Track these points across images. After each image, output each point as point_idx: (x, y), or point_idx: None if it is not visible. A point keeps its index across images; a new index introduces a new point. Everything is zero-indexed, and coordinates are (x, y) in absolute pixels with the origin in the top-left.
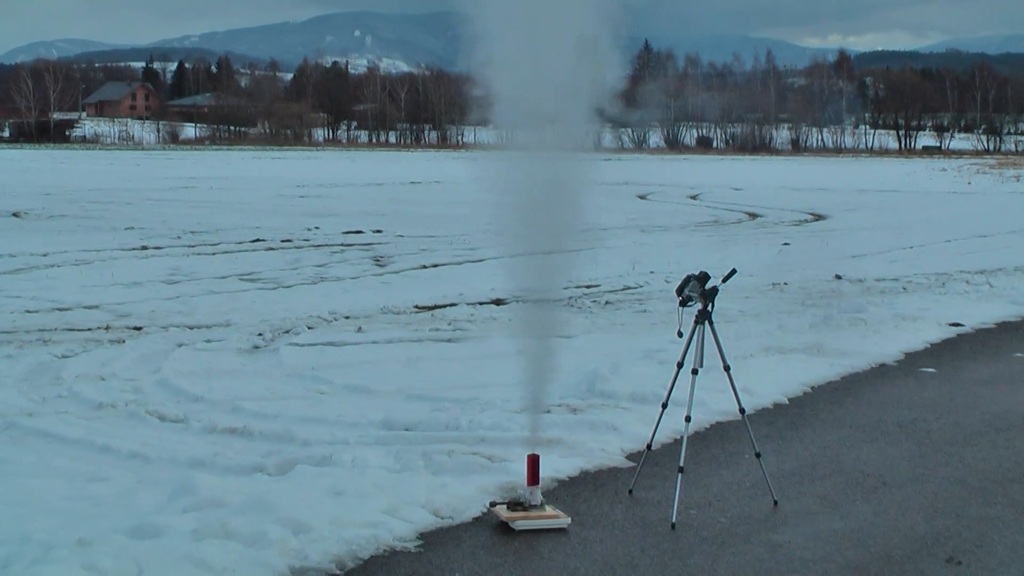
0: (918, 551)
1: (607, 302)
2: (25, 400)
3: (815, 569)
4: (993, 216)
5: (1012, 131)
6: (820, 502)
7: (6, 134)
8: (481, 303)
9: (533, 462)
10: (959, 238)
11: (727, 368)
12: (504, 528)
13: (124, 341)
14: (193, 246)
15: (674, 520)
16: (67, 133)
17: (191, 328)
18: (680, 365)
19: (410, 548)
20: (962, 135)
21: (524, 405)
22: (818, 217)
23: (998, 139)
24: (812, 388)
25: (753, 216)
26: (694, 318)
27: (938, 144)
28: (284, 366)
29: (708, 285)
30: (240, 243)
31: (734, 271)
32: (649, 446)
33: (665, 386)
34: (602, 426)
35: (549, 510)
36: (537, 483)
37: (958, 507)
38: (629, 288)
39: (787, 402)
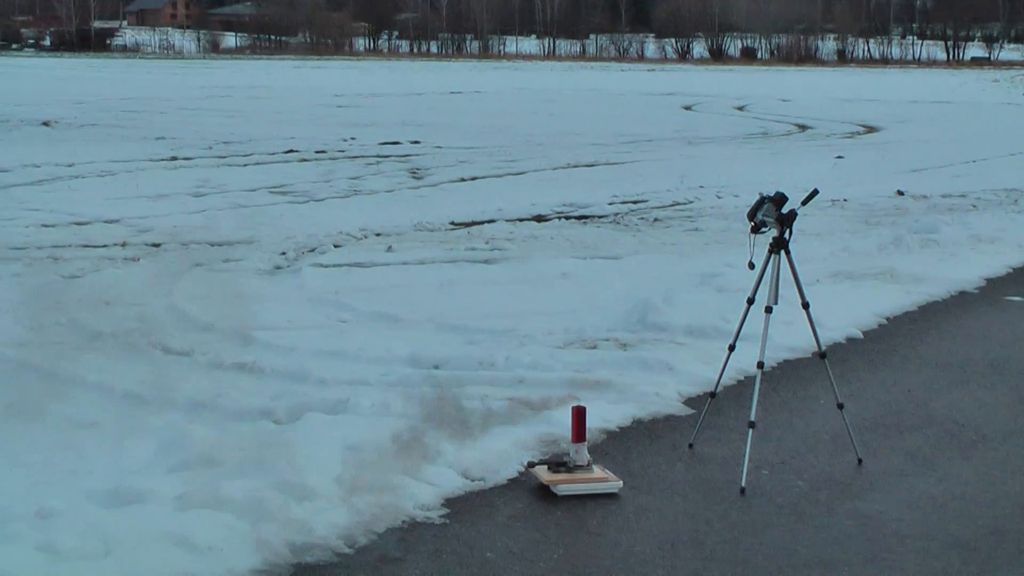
0: None
1: (655, 219)
2: (20, 328)
3: (914, 547)
4: None
5: None
6: (911, 460)
7: (47, 43)
8: (521, 219)
9: (579, 415)
10: (1023, 151)
11: (806, 306)
12: (545, 493)
13: (139, 260)
14: (224, 157)
15: (743, 484)
16: (107, 42)
17: (213, 245)
18: (751, 301)
19: (434, 519)
20: (1012, 46)
21: (568, 339)
22: (870, 129)
23: None
24: (888, 319)
25: (803, 128)
26: (768, 247)
27: (987, 55)
28: (306, 289)
29: (785, 208)
30: (273, 154)
31: (816, 192)
32: (713, 393)
33: (725, 317)
34: (656, 365)
35: (597, 471)
36: (583, 440)
37: None
38: (678, 204)
39: (861, 336)
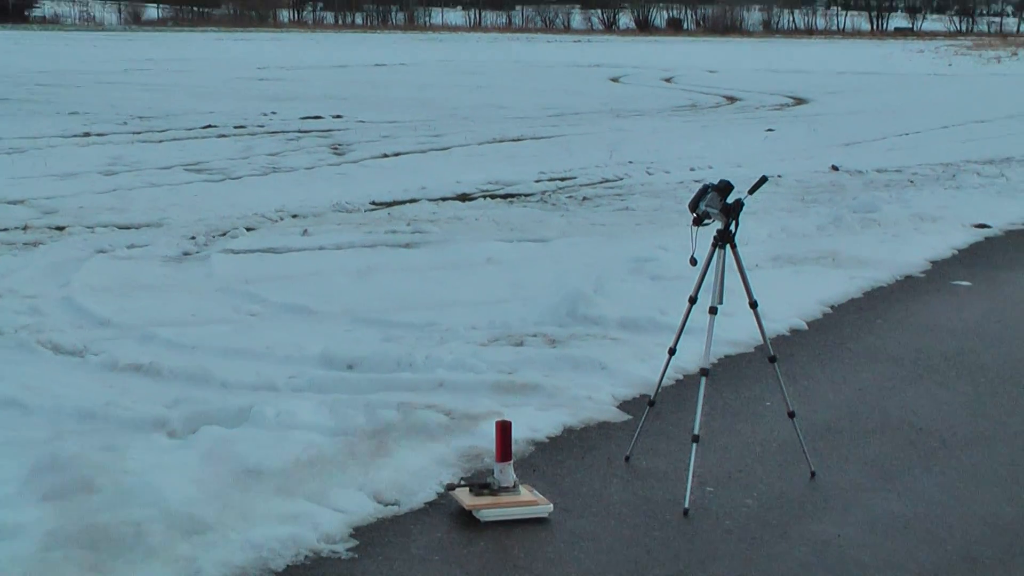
0: (1008, 548)
1: (584, 198)
2: None
3: None
4: (983, 99)
5: (985, 12)
6: (868, 472)
7: None
8: (445, 199)
9: (503, 432)
10: (955, 124)
11: (754, 305)
12: (466, 518)
13: (38, 244)
14: (139, 133)
15: (687, 504)
16: (26, 14)
17: (120, 228)
18: (693, 300)
19: (340, 553)
20: (934, 16)
21: (493, 335)
22: (799, 101)
23: (971, 20)
24: (833, 308)
25: (731, 100)
26: (712, 240)
27: (911, 25)
28: (214, 279)
29: (731, 198)
30: (190, 129)
31: (764, 179)
32: (652, 402)
33: (661, 309)
34: (588, 364)
35: (524, 493)
36: (509, 459)
37: None
38: (608, 181)
39: (806, 327)
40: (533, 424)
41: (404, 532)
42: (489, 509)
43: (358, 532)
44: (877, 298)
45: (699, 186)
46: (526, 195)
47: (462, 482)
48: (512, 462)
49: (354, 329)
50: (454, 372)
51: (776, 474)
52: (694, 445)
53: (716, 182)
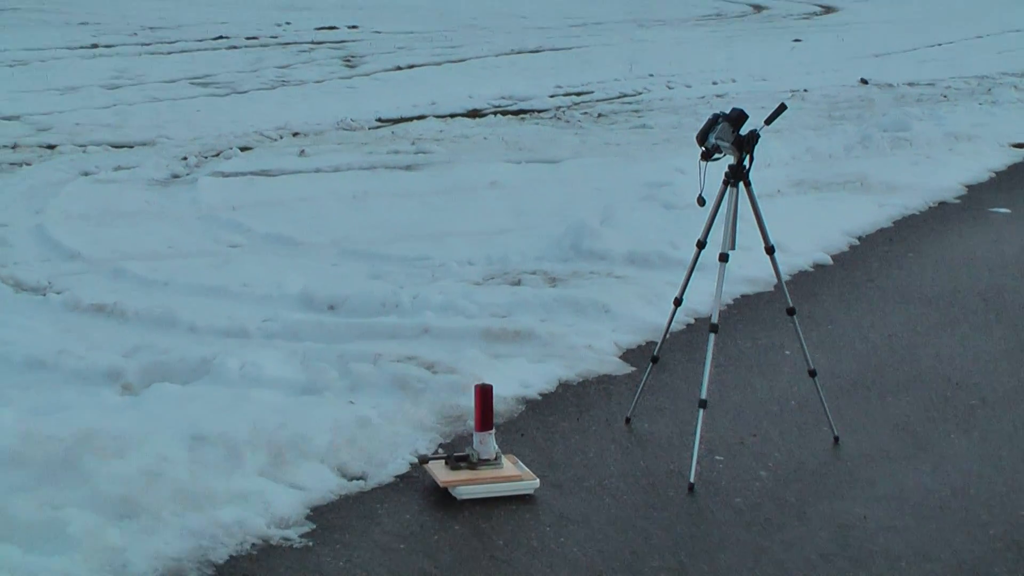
0: None
1: (600, 114)
2: None
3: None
4: (1019, 6)
5: None
6: (899, 436)
7: None
8: (454, 115)
9: (483, 397)
10: (990, 33)
11: (771, 250)
12: (441, 496)
13: (24, 165)
14: (148, 44)
15: (692, 479)
16: None
17: (114, 147)
18: (701, 245)
19: (293, 540)
20: None
21: (489, 271)
22: (828, 9)
23: None
24: (860, 239)
25: (758, 9)
26: (723, 177)
27: None
28: (199, 205)
29: (744, 129)
30: (201, 41)
31: (783, 107)
32: (655, 358)
33: (673, 242)
34: (589, 307)
35: (507, 467)
36: (490, 428)
37: None
38: (625, 96)
39: (830, 262)
40: (524, 378)
41: (368, 513)
42: (467, 486)
43: (316, 513)
44: (908, 228)
45: (711, 112)
46: (539, 111)
47: (440, 451)
48: (493, 431)
49: (341, 263)
50: (442, 315)
51: (794, 440)
52: (701, 411)
53: (728, 111)
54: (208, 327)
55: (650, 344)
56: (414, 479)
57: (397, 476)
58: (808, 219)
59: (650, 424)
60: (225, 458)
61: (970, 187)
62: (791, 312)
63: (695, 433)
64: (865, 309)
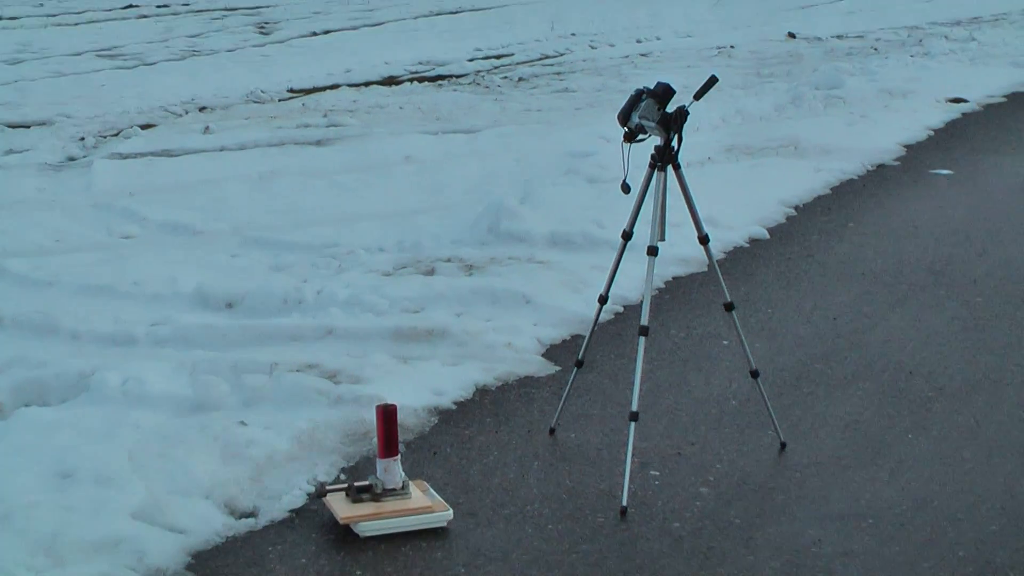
0: None
1: (520, 78)
2: None
3: None
4: None
5: None
6: (851, 438)
7: None
8: (368, 83)
9: (386, 419)
10: None
11: (704, 240)
12: (342, 533)
13: None
14: (54, 15)
15: (625, 502)
16: None
17: (10, 127)
18: (627, 236)
19: None
20: None
21: (400, 259)
22: None
23: None
24: (797, 209)
25: None
26: (649, 160)
27: None
28: (93, 191)
29: (671, 106)
30: (110, 10)
31: (714, 80)
32: (580, 362)
33: (598, 221)
34: (509, 298)
35: (416, 496)
36: (395, 453)
37: None
38: (547, 58)
39: (767, 236)
40: (437, 385)
41: (256, 559)
42: (370, 522)
43: (198, 561)
44: (847, 195)
45: (633, 88)
46: (458, 76)
47: (342, 477)
48: (399, 457)
49: (242, 253)
50: (349, 313)
51: (736, 447)
52: (632, 424)
53: (653, 85)
54: (92, 334)
55: (575, 338)
56: (311, 513)
57: (292, 511)
58: (742, 189)
59: (577, 434)
60: (94, 499)
61: (908, 147)
62: (729, 308)
63: (627, 450)
64: (807, 289)
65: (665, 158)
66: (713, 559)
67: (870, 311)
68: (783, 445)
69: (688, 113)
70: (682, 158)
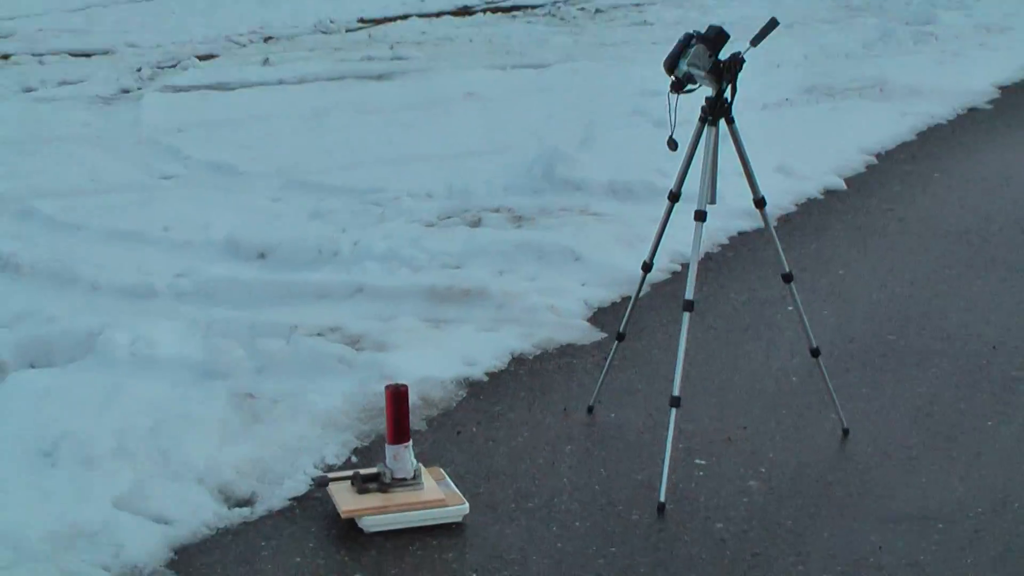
0: None
1: (597, 9)
2: None
3: None
4: None
5: None
6: (926, 425)
7: None
8: (441, 13)
9: (395, 401)
10: None
11: (760, 203)
12: (346, 528)
13: None
14: None
15: (663, 498)
16: None
17: (71, 56)
18: (674, 197)
19: None
20: None
21: (447, 208)
22: None
23: None
24: (878, 157)
25: None
26: (699, 115)
27: None
28: (141, 126)
29: (724, 53)
30: None
31: (774, 23)
32: (621, 335)
33: (660, 168)
34: (556, 254)
35: (429, 488)
36: (406, 439)
37: None
38: None
39: (844, 186)
40: (469, 354)
41: (247, 556)
42: (375, 516)
43: (181, 558)
44: (933, 142)
45: (681, 37)
46: (533, 7)
47: (353, 459)
48: (410, 443)
49: (282, 197)
50: (382, 269)
51: (793, 434)
52: (673, 411)
53: (704, 30)
54: (111, 285)
55: (626, 301)
56: (313, 502)
57: (292, 498)
58: (820, 134)
59: (617, 414)
60: (74, 483)
61: (1004, 89)
62: (788, 279)
63: (667, 440)
64: (883, 248)
65: (717, 111)
66: (758, 568)
67: (952, 275)
68: (846, 432)
69: (744, 61)
70: (736, 110)
